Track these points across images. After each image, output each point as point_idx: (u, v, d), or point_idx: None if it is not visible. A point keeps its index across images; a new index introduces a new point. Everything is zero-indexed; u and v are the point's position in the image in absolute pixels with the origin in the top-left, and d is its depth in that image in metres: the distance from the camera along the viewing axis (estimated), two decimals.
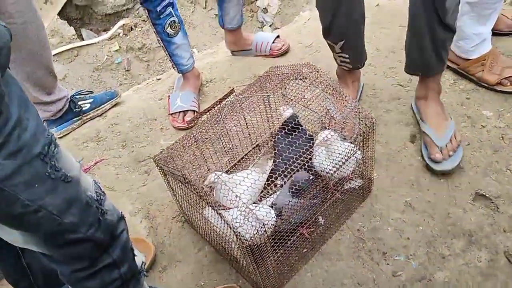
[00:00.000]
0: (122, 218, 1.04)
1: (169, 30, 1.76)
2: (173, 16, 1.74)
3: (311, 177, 1.26)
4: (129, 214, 1.58)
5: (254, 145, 1.62)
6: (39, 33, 1.62)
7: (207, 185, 1.30)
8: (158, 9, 1.69)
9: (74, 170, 0.89)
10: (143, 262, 1.16)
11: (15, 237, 0.87)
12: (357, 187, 1.41)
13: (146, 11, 1.72)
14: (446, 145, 1.51)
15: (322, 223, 1.41)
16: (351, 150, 1.26)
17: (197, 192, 1.19)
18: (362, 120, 1.25)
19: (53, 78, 1.78)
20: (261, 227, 1.13)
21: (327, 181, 1.30)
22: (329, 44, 1.67)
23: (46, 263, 1.00)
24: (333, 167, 1.24)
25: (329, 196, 1.37)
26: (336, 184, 1.36)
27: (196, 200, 1.29)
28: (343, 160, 1.25)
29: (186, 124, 1.85)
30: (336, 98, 1.27)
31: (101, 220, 0.94)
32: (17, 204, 0.77)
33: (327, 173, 1.26)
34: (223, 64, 2.17)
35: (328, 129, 1.33)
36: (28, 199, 0.78)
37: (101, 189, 0.98)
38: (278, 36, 2.14)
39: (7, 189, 0.75)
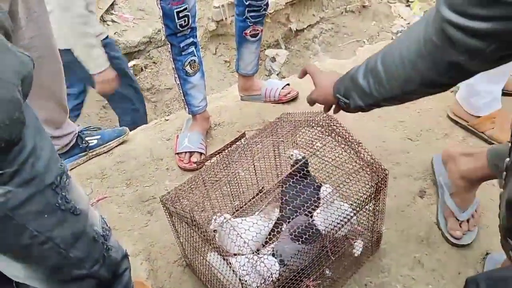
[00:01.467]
0: (125, 256, 1.01)
1: (188, 68, 1.77)
2: (194, 55, 1.77)
3: (312, 221, 1.23)
4: (130, 254, 1.52)
5: (261, 191, 1.60)
6: (53, 68, 1.63)
7: (214, 227, 1.27)
8: (182, 45, 1.71)
9: (83, 203, 0.87)
10: None
11: (17, 271, 0.83)
12: (356, 254, 1.38)
13: (169, 45, 1.73)
14: (467, 221, 1.45)
15: (329, 275, 1.37)
16: (349, 213, 1.23)
17: (203, 236, 1.15)
18: (375, 172, 1.23)
19: (64, 113, 1.78)
20: (269, 277, 1.09)
21: (324, 240, 1.26)
22: None
23: None
24: (331, 229, 1.21)
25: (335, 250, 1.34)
26: (333, 244, 1.34)
27: (200, 244, 1.25)
28: (342, 223, 1.21)
29: (192, 165, 1.84)
30: (349, 147, 1.26)
31: (106, 257, 0.92)
32: (25, 234, 0.75)
33: (327, 232, 1.23)
34: (232, 108, 2.19)
35: (329, 186, 1.31)
36: (37, 229, 0.76)
37: (107, 225, 0.96)
38: (288, 84, 2.17)
39: (16, 218, 0.73)
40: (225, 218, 1.22)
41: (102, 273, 0.90)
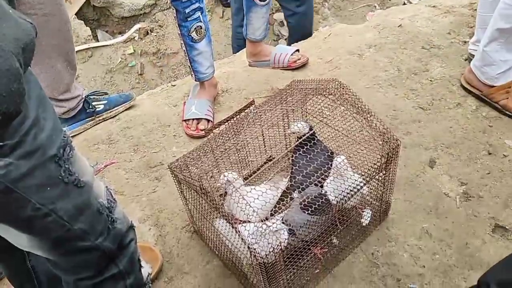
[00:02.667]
0: (131, 227, 1.01)
1: (194, 34, 1.73)
2: (200, 21, 1.72)
3: (322, 192, 1.22)
4: (138, 220, 1.54)
5: (270, 160, 1.59)
6: (61, 26, 1.59)
7: (220, 185, 1.26)
8: (187, 11, 1.66)
9: (87, 175, 0.85)
10: (149, 273, 1.12)
11: (21, 241, 0.83)
12: (364, 224, 1.37)
13: (174, 11, 1.69)
14: None
15: (336, 244, 1.37)
16: (359, 183, 1.22)
17: (212, 203, 1.15)
18: (386, 142, 1.21)
19: (72, 73, 1.74)
20: (277, 245, 1.09)
21: (334, 210, 1.25)
22: None
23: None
24: (340, 199, 1.20)
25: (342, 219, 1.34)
26: (342, 213, 1.33)
27: (208, 211, 1.25)
28: (351, 194, 1.20)
29: (200, 132, 1.82)
30: (361, 116, 1.24)
31: (111, 229, 0.91)
32: (28, 207, 0.74)
33: (337, 202, 1.22)
34: (240, 74, 2.15)
35: (342, 155, 1.30)
36: (39, 202, 0.75)
37: (112, 196, 0.94)
38: (297, 50, 2.12)
39: (18, 191, 0.71)
40: (233, 177, 1.21)
41: (106, 245, 0.90)
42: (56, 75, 1.67)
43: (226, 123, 1.37)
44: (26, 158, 0.71)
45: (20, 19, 0.67)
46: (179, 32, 1.75)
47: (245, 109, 1.39)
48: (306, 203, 1.16)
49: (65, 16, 1.60)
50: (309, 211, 1.16)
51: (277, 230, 1.15)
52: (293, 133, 1.39)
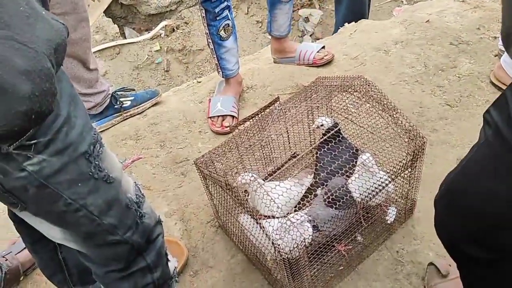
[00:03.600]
0: (159, 222, 1.03)
1: (222, 33, 1.75)
2: (228, 19, 1.73)
3: (347, 187, 1.22)
4: (164, 215, 1.57)
5: (294, 156, 1.59)
6: (77, 25, 1.60)
7: (241, 184, 1.28)
8: (216, 10, 1.68)
9: (117, 171, 0.88)
10: (175, 267, 1.14)
11: (54, 233, 0.86)
12: (389, 221, 1.36)
13: (204, 11, 1.70)
14: None
15: (361, 241, 1.37)
16: (384, 181, 1.21)
17: (237, 199, 1.17)
18: (412, 139, 1.20)
19: (89, 72, 1.76)
20: (301, 241, 1.10)
21: (358, 207, 1.25)
22: None
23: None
24: (365, 197, 1.20)
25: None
26: (367, 211, 1.33)
27: (233, 206, 1.27)
28: (376, 191, 1.20)
29: (225, 129, 1.84)
30: (387, 114, 1.23)
31: (139, 223, 0.93)
32: (60, 202, 0.77)
33: (361, 200, 1.22)
34: (265, 71, 2.16)
35: (368, 153, 1.29)
36: (71, 197, 0.77)
37: (140, 191, 0.96)
38: (323, 47, 2.12)
39: (51, 186, 0.74)
40: (253, 177, 1.23)
41: (135, 239, 0.92)
42: (72, 74, 1.69)
43: (251, 120, 1.38)
44: (58, 155, 0.73)
45: (52, 20, 0.69)
46: (207, 32, 1.77)
47: (269, 106, 1.39)
48: (330, 199, 1.16)
49: (83, 15, 1.61)
50: (334, 207, 1.17)
51: (301, 226, 1.16)
52: (318, 127, 1.39)
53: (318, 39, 3.38)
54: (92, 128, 0.82)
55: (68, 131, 0.74)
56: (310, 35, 3.80)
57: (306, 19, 3.85)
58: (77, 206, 0.79)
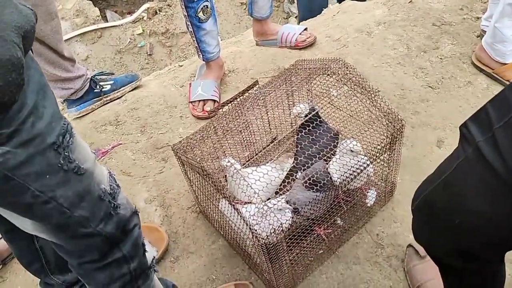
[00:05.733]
0: (135, 212, 1.01)
1: (200, 14, 1.71)
2: (207, 1, 1.69)
3: (326, 169, 1.22)
4: (144, 201, 1.55)
5: (274, 140, 1.58)
6: (47, 17, 1.58)
7: (220, 169, 1.27)
8: None
9: (89, 162, 0.85)
10: (154, 257, 1.13)
11: (25, 224, 0.84)
12: (369, 204, 1.37)
13: None
14: None
15: (341, 224, 1.37)
16: (363, 164, 1.21)
17: (214, 185, 1.15)
18: (391, 122, 1.20)
19: (65, 60, 1.73)
20: (279, 226, 1.09)
21: (338, 190, 1.25)
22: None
23: None
24: (344, 179, 1.19)
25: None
26: (346, 194, 1.32)
27: (212, 192, 1.26)
28: (355, 174, 1.19)
29: (206, 114, 1.82)
30: (365, 96, 1.22)
31: (113, 215, 0.91)
32: (27, 194, 0.74)
33: (339, 183, 1.22)
34: (247, 54, 2.13)
35: (352, 138, 1.28)
36: (38, 189, 0.75)
37: (115, 182, 0.94)
38: (305, 29, 2.09)
39: (17, 178, 0.71)
40: (230, 163, 1.21)
41: (109, 231, 0.90)
42: (45, 58, 1.66)
43: (230, 104, 1.36)
44: (24, 146, 0.70)
45: (20, 5, 0.66)
46: (186, 14, 1.73)
47: (248, 90, 1.38)
48: (310, 181, 1.16)
49: (52, 7, 1.58)
50: (313, 190, 1.16)
51: (279, 211, 1.15)
52: (296, 115, 1.38)
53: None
54: (61, 117, 0.79)
55: (35, 121, 0.71)
56: (295, 17, 3.76)
57: (291, 1, 3.81)
58: (46, 198, 0.77)
